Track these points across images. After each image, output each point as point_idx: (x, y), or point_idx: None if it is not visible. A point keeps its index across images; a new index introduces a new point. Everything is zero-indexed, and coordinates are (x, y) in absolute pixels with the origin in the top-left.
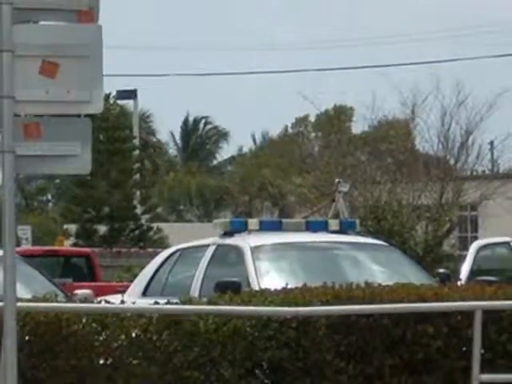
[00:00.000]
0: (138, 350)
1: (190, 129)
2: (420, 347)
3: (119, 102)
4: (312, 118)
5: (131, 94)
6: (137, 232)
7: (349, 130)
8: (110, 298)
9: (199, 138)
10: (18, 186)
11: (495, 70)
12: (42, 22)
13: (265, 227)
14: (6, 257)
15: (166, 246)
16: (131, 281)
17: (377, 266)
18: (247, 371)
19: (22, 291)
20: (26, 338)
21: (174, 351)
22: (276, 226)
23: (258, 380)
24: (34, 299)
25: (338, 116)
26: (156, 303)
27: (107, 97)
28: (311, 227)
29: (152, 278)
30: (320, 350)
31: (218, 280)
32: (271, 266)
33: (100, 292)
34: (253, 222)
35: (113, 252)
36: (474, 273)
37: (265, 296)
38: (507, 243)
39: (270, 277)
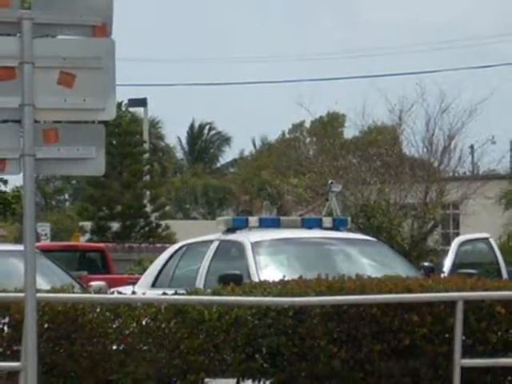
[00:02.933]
0: (147, 336)
1: (195, 134)
2: (406, 334)
3: (130, 109)
4: (307, 124)
5: (141, 102)
6: (146, 229)
7: (341, 135)
8: (122, 289)
9: (204, 142)
10: (37, 186)
11: (475, 81)
12: (59, 37)
13: (264, 224)
14: (26, 251)
15: (174, 242)
16: (141, 273)
17: (366, 260)
18: (248, 356)
19: (42, 283)
20: (45, 325)
21: (181, 338)
22: (274, 223)
23: (258, 364)
24: (53, 290)
25: (332, 122)
26: (164, 294)
27: (119, 105)
28: (306, 224)
29: (160, 270)
30: (314, 337)
31: (221, 273)
32: (270, 259)
33: (113, 284)
34: (253, 220)
35: (125, 247)
36: (455, 266)
37: (264, 287)
38: (486, 239)
39: (268, 270)
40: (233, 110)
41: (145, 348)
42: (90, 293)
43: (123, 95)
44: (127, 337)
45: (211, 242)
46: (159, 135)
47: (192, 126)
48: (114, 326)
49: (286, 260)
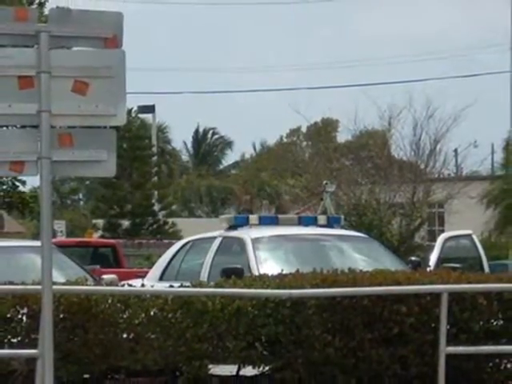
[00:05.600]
0: (155, 326)
1: (199, 138)
2: (395, 324)
3: (140, 115)
4: (303, 129)
5: (150, 109)
6: (155, 226)
7: (334, 139)
8: (132, 282)
9: (208, 146)
10: (53, 186)
11: (459, 89)
12: (74, 48)
13: (263, 222)
14: (43, 247)
15: (180, 238)
16: (150, 267)
17: (358, 255)
18: (248, 344)
19: (58, 276)
20: (61, 315)
21: (187, 327)
22: (273, 221)
23: (258, 351)
24: (68, 283)
25: (326, 127)
26: (171, 286)
27: (129, 111)
28: (303, 222)
29: (168, 264)
30: (310, 326)
31: (224, 267)
32: (269, 254)
33: (123, 277)
34: (253, 218)
35: (134, 243)
36: (441, 261)
37: (263, 280)
38: (469, 235)
39: (267, 264)
40: (234, 116)
41: (153, 336)
42: (102, 285)
43: (133, 102)
44: (136, 326)
45: (214, 238)
46: (166, 139)
47: (197, 131)
48: (125, 316)
49: (283, 255)
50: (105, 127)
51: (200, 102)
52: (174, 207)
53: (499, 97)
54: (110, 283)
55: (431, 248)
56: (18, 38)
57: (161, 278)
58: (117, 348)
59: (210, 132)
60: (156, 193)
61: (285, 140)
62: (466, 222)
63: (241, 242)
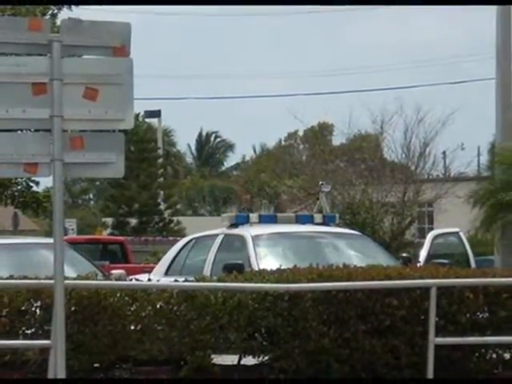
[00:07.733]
0: (161, 318)
1: (203, 141)
2: (387, 316)
3: (146, 119)
4: (301, 133)
5: (156, 114)
6: (160, 224)
7: (330, 142)
8: (139, 276)
9: (210, 148)
10: (65, 187)
11: (447, 94)
12: (84, 56)
13: (263, 220)
14: (55, 244)
15: (184, 236)
16: (156, 263)
17: (352, 251)
18: (249, 335)
19: (69, 271)
20: (72, 308)
21: (191, 319)
22: (272, 219)
23: (258, 342)
24: (79, 278)
25: (322, 131)
26: (176, 281)
27: (137, 116)
28: (300, 220)
29: (173, 260)
30: (307, 319)
31: (226, 262)
32: (268, 251)
33: (131, 272)
34: (253, 216)
35: (141, 240)
36: (430, 257)
37: (263, 275)
38: (456, 233)
39: (267, 260)
40: (236, 120)
41: (159, 328)
42: (111, 280)
43: (140, 107)
44: (143, 318)
45: (217, 235)
46: (171, 142)
47: (200, 135)
48: (132, 308)
49: (282, 251)
50: (114, 131)
51: (203, 107)
52: (178, 206)
53: (485, 102)
54: (119, 278)
55: (421, 245)
56: (31, 46)
57: (166, 273)
58: (125, 339)
59: (213, 135)
60: (162, 193)
61: (283, 143)
62: (454, 220)
63: (242, 239)
